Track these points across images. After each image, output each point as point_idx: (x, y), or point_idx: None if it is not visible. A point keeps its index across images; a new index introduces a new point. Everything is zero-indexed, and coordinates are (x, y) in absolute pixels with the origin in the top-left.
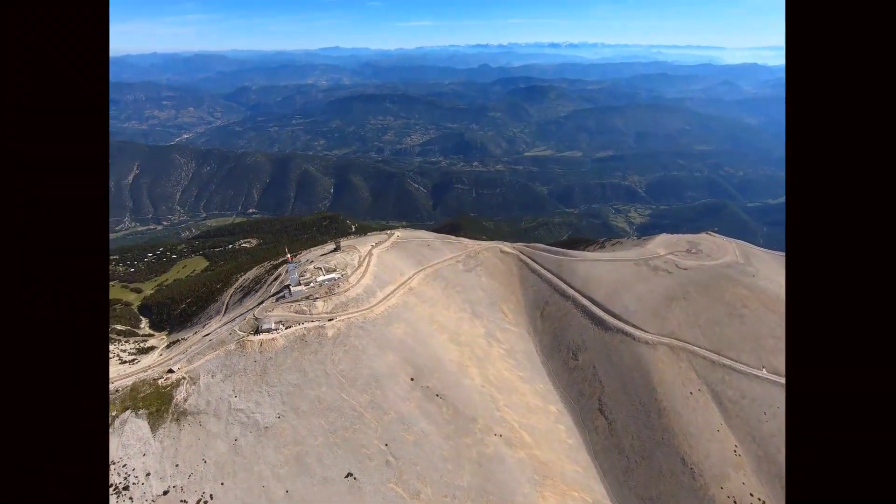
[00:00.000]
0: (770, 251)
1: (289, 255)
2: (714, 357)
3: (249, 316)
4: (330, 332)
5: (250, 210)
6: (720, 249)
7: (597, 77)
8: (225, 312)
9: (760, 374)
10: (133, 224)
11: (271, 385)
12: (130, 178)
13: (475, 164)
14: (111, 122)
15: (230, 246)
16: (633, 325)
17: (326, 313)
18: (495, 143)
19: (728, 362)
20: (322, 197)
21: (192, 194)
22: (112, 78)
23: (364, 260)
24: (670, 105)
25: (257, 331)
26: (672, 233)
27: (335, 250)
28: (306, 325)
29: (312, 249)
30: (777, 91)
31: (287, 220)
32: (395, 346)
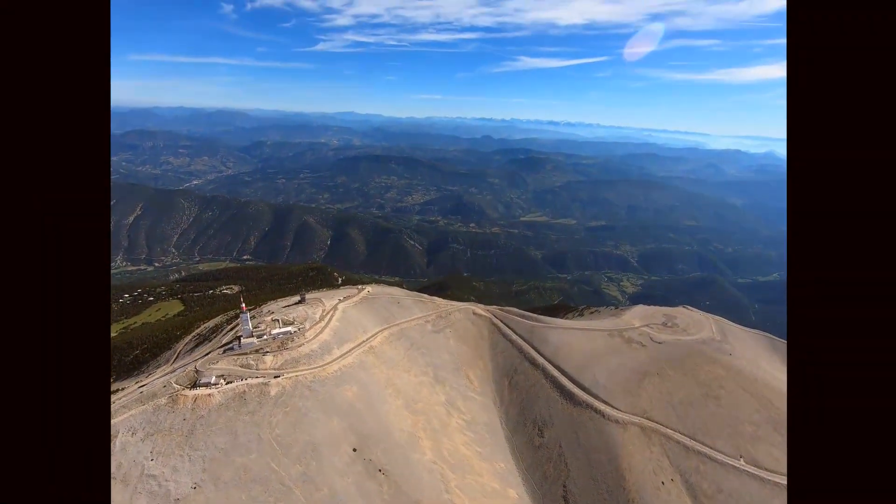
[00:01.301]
0: (747, 329)
1: (243, 305)
2: (688, 442)
3: (191, 367)
4: (273, 391)
5: (245, 257)
6: (697, 324)
7: (591, 153)
8: (174, 361)
9: (738, 465)
10: (124, 263)
11: (195, 448)
12: (131, 218)
13: (472, 225)
14: (126, 165)
15: (210, 291)
16: (604, 401)
17: (274, 369)
18: (493, 206)
19: (703, 449)
20: (318, 248)
21: (190, 238)
22: (136, 126)
23: (327, 314)
24: (659, 182)
25: (195, 384)
26: (665, 304)
27: (299, 302)
28: (249, 381)
29: (279, 300)
30: (759, 176)
31: (274, 269)
32: (343, 411)
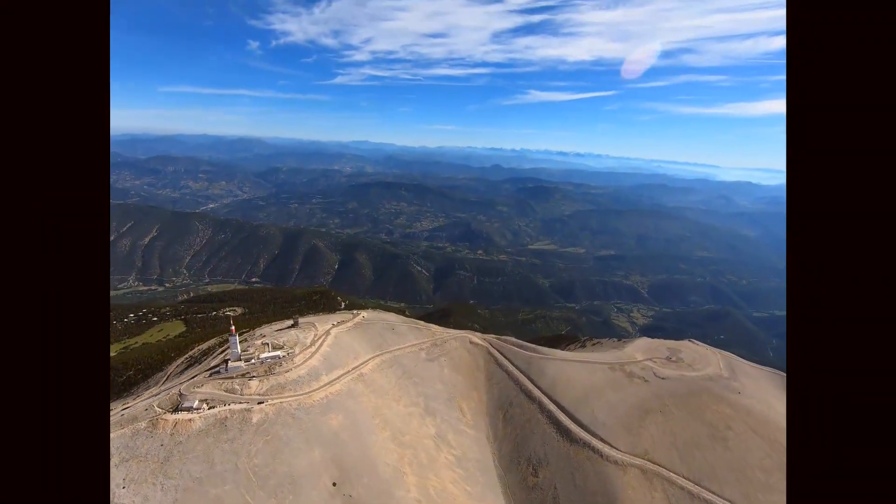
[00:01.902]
0: (758, 366)
1: (232, 328)
2: (693, 488)
3: (175, 390)
4: (255, 418)
5: (253, 279)
6: (703, 359)
7: (600, 183)
8: (164, 383)
9: None
10: (136, 283)
11: (169, 476)
12: (147, 239)
13: (479, 252)
14: (148, 189)
15: (213, 313)
16: (602, 440)
17: (259, 395)
18: (501, 234)
19: (710, 497)
20: (326, 272)
21: (201, 259)
22: (159, 152)
23: (318, 339)
24: (670, 212)
25: (177, 408)
26: (678, 337)
27: (292, 326)
28: (232, 406)
29: (273, 324)
30: (773, 207)
31: (278, 292)
32: (326, 441)
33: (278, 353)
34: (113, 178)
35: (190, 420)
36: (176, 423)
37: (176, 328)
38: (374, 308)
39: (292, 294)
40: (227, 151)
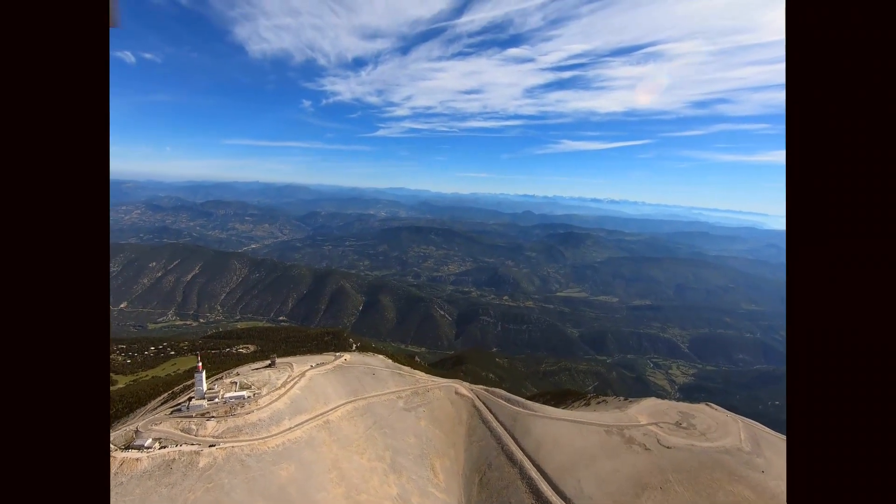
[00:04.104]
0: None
1: (199, 364)
2: None
3: (133, 427)
4: (203, 461)
5: (280, 318)
6: (720, 428)
7: (635, 230)
8: (139, 418)
9: None
10: (174, 318)
11: None
12: (189, 276)
13: (505, 297)
14: (199, 230)
15: (227, 349)
16: None
17: (213, 437)
18: (528, 280)
19: None
20: (350, 313)
21: (235, 297)
22: (215, 196)
23: (291, 381)
24: (712, 262)
25: (129, 446)
26: (720, 401)
27: (268, 366)
28: (183, 447)
29: (253, 363)
30: None
31: (292, 330)
32: (270, 494)
33: (243, 393)
34: (170, 219)
35: (137, 459)
36: (122, 462)
37: (189, 363)
38: (392, 352)
39: (305, 333)
40: (274, 197)
